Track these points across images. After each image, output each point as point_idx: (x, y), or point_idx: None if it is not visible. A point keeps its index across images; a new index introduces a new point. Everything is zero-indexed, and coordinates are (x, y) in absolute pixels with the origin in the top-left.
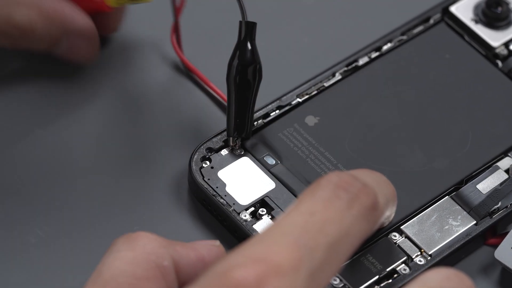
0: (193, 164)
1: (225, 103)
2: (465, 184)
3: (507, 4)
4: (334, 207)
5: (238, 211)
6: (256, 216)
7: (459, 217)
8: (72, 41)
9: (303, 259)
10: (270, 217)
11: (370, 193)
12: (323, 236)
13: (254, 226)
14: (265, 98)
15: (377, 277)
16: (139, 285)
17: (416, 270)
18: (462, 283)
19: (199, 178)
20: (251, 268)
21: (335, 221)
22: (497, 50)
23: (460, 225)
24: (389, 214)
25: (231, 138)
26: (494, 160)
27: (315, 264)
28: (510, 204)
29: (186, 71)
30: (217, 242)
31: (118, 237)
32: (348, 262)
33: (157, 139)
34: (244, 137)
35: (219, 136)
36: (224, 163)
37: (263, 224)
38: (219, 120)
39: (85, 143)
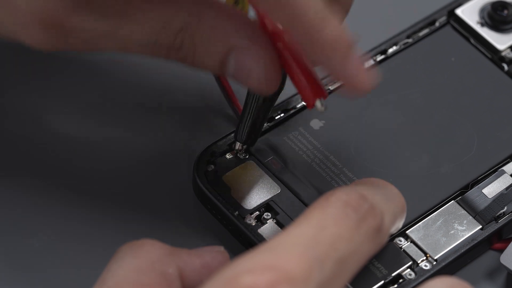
0: (198, 168)
1: (231, 103)
2: (471, 188)
3: None
4: (344, 225)
5: (242, 216)
6: (261, 221)
7: (464, 221)
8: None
9: (313, 271)
10: (275, 221)
11: (376, 215)
12: (333, 250)
13: (259, 231)
14: None
15: (382, 282)
16: None
17: (421, 275)
18: None
19: (203, 182)
20: (261, 275)
21: (345, 238)
22: (503, 53)
23: (465, 230)
24: (397, 226)
25: (238, 143)
26: (500, 165)
27: (324, 278)
28: None
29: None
30: (221, 248)
31: (122, 244)
32: None
33: (161, 143)
34: (249, 145)
35: (224, 140)
36: (229, 167)
37: (268, 228)
38: (224, 123)
39: (88, 148)
